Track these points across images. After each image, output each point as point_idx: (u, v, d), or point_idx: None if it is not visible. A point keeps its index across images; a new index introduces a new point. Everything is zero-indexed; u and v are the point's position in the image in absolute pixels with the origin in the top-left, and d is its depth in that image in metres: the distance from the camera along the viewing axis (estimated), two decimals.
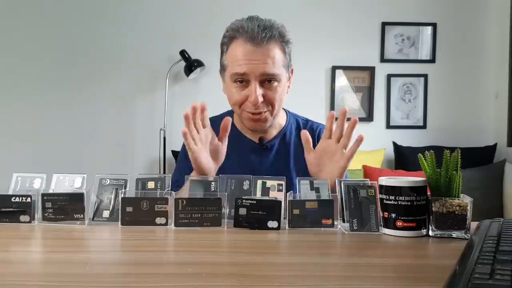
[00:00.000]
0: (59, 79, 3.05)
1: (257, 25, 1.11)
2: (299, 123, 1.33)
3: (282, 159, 1.25)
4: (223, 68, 1.21)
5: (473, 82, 3.14)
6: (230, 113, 1.32)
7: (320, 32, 3.09)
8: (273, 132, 1.28)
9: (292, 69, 1.24)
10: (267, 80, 1.14)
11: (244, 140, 1.27)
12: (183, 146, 1.33)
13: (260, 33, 1.10)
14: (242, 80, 1.14)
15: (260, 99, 1.13)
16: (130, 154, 3.08)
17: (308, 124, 1.33)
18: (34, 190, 0.94)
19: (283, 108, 1.32)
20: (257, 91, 1.12)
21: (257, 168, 1.20)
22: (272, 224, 0.87)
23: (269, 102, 1.16)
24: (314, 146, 1.27)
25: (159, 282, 0.56)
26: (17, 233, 0.85)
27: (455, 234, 0.81)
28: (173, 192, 0.92)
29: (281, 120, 1.30)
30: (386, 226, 0.84)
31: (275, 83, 1.15)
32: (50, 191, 0.94)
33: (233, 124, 1.29)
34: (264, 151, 1.26)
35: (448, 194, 0.83)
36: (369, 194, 0.87)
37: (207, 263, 0.65)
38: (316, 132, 1.30)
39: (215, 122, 1.33)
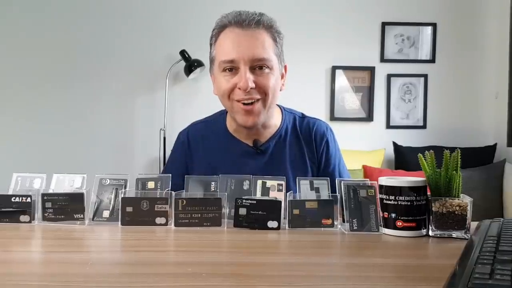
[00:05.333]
0: (59, 79, 3.05)
1: (245, 13, 1.09)
2: (296, 120, 1.25)
3: (277, 161, 1.19)
4: (212, 61, 1.16)
5: (473, 82, 3.14)
6: (222, 114, 1.27)
7: (320, 32, 3.08)
8: (268, 133, 1.21)
9: (286, 66, 1.19)
10: (258, 67, 1.08)
11: (237, 143, 1.21)
12: (173, 150, 1.30)
13: (248, 17, 1.08)
14: (232, 68, 1.08)
15: (251, 84, 1.06)
16: (130, 154, 3.08)
17: (305, 120, 1.26)
18: (34, 190, 0.94)
19: (278, 106, 1.25)
20: (247, 75, 1.06)
21: (251, 173, 1.09)
22: (272, 224, 0.87)
23: (261, 90, 1.09)
24: (311, 142, 1.23)
25: (159, 282, 0.56)
26: (17, 233, 0.85)
27: (455, 234, 0.81)
28: (173, 192, 0.91)
29: (276, 120, 1.23)
30: (386, 226, 0.84)
31: (267, 70, 1.09)
32: (50, 191, 0.94)
33: (225, 127, 1.24)
34: (259, 155, 1.19)
35: (448, 194, 0.83)
36: (369, 194, 0.87)
37: (207, 263, 0.65)
38: (313, 129, 1.24)
39: (207, 123, 1.28)
